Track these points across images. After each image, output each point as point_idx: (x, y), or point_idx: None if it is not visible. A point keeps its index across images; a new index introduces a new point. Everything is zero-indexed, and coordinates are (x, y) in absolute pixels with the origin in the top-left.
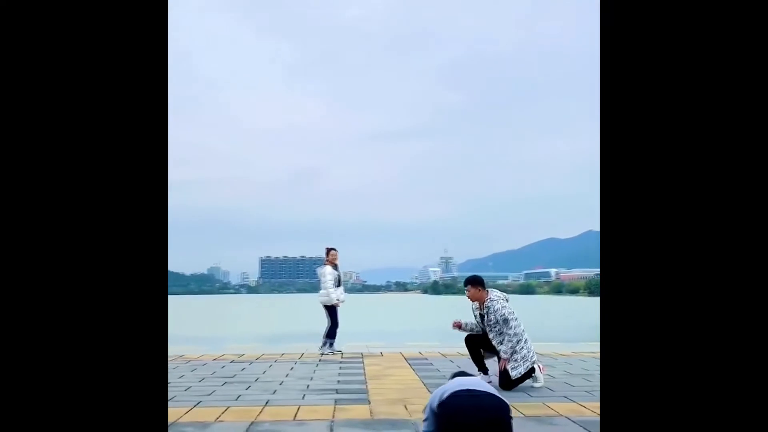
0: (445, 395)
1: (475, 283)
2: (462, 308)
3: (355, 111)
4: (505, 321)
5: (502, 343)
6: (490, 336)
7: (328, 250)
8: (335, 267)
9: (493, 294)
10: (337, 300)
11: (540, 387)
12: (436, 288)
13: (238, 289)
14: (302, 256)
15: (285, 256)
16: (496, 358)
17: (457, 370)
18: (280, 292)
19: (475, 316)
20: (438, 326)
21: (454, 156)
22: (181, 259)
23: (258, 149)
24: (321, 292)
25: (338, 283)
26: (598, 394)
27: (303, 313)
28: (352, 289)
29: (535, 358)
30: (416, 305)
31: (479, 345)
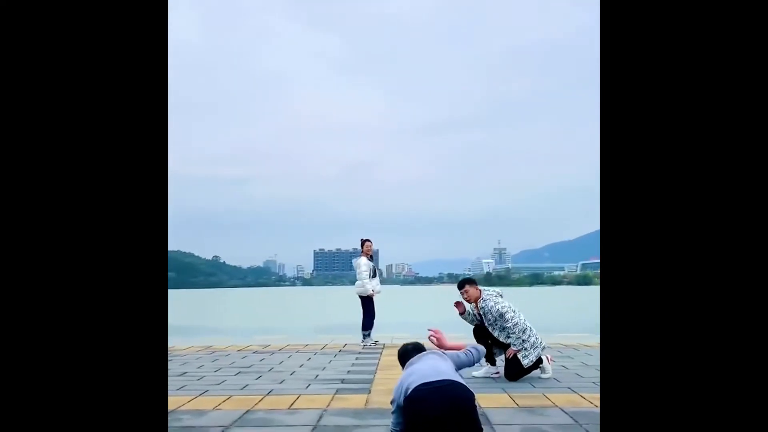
0: (410, 390)
1: (472, 282)
2: (517, 299)
3: (407, 103)
4: (501, 315)
5: (509, 337)
6: (495, 334)
7: (363, 242)
8: (370, 258)
9: (485, 293)
10: (372, 291)
11: (548, 378)
12: (489, 279)
13: (293, 282)
14: (354, 249)
15: (338, 249)
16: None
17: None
18: (333, 284)
19: (475, 316)
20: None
21: (508, 146)
22: (238, 252)
23: (310, 144)
24: (357, 283)
25: (374, 273)
26: None
27: (351, 304)
28: (404, 281)
29: (544, 344)
30: None
31: (488, 338)
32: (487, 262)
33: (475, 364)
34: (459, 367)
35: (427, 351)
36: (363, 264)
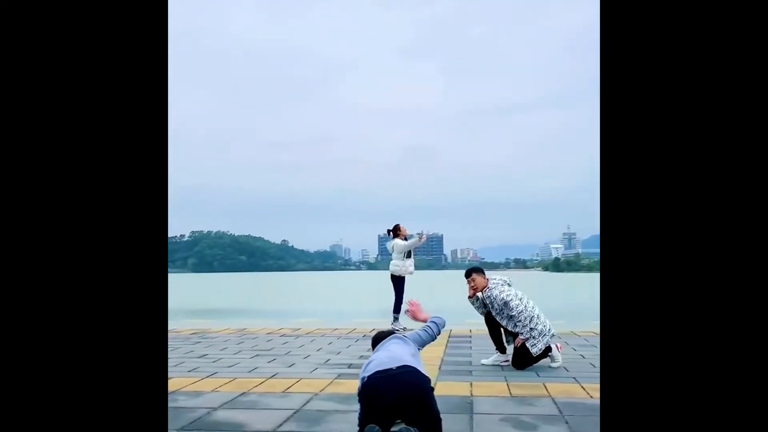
0: (366, 378)
1: (479, 271)
2: (580, 285)
3: (475, 85)
4: (506, 304)
5: (516, 327)
6: (503, 323)
7: (396, 227)
8: (406, 240)
9: (491, 282)
10: (401, 270)
11: (558, 366)
12: (557, 265)
13: (358, 266)
14: (418, 234)
15: None
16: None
17: (376, 333)
18: None
19: (482, 304)
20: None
21: (577, 126)
22: (305, 237)
23: (373, 129)
24: (392, 262)
25: (408, 254)
26: None
27: (407, 288)
28: (469, 267)
29: (553, 331)
30: (529, 282)
31: (500, 326)
32: (556, 248)
33: (438, 336)
34: (422, 345)
35: (391, 336)
36: (399, 243)
